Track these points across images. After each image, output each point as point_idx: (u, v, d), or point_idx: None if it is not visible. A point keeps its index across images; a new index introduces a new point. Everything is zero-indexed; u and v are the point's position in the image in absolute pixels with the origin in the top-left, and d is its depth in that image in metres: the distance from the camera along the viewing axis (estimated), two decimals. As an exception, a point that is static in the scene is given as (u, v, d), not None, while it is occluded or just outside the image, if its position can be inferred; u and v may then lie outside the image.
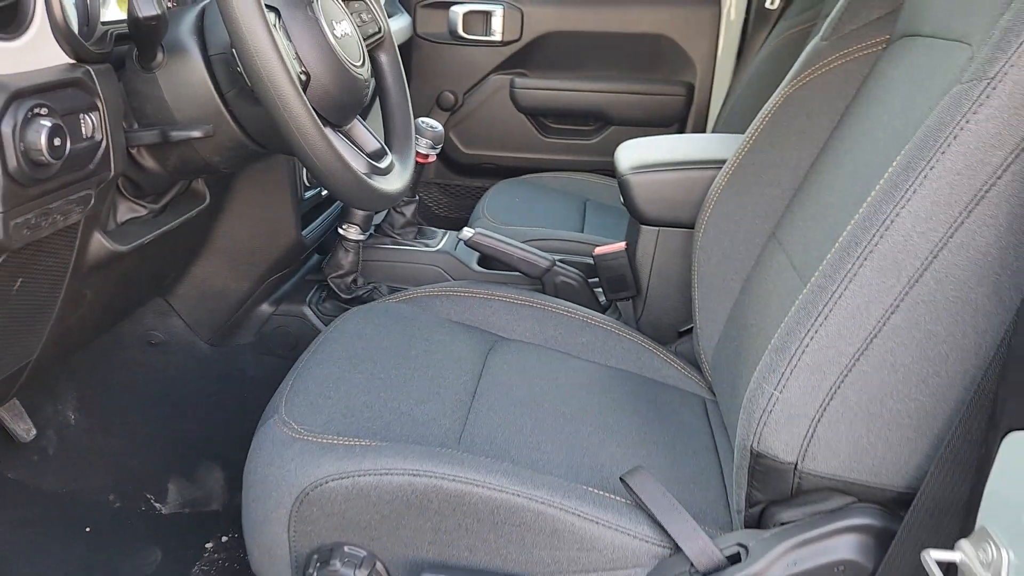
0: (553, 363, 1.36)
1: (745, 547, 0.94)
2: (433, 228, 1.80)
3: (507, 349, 1.40)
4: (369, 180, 1.07)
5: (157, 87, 1.05)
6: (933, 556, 0.79)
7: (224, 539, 1.58)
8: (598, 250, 1.53)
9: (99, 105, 0.96)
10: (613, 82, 2.53)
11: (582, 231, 1.98)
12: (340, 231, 1.60)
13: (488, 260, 1.73)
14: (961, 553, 0.78)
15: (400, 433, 1.09)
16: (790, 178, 1.27)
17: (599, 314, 1.48)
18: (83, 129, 0.93)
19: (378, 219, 1.79)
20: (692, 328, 1.46)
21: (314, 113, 0.95)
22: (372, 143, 1.19)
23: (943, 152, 0.78)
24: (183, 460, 1.65)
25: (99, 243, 1.08)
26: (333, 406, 1.12)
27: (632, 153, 1.56)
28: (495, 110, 2.56)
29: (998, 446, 0.76)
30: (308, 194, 1.58)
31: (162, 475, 1.65)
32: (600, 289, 1.64)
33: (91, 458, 1.65)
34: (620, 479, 1.03)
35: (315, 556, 1.02)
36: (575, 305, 1.48)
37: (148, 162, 1.11)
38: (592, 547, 0.98)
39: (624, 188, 1.52)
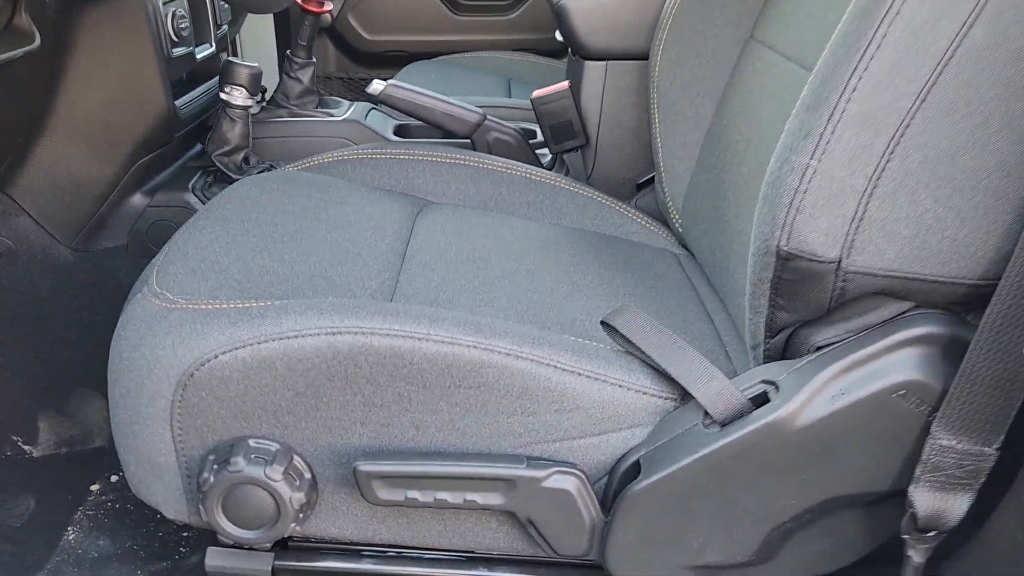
0: (496, 223, 1.13)
1: (773, 383, 0.73)
2: (337, 98, 1.52)
3: (439, 211, 1.15)
4: None
5: None
6: (1040, 349, 0.59)
7: (114, 479, 1.31)
8: (537, 92, 1.29)
9: None
10: (529, -53, 2.28)
11: (509, 103, 1.73)
12: (223, 95, 1.31)
13: (408, 129, 1.47)
14: (1075, 343, 0.59)
15: (312, 294, 0.84)
16: (768, -34, 1.05)
17: (544, 170, 1.25)
18: None
19: (271, 91, 1.51)
20: (654, 177, 1.24)
21: None
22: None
23: None
24: (53, 392, 1.36)
25: None
26: (222, 271, 0.86)
27: (568, -24, 1.31)
28: (399, -12, 2.28)
29: None
30: (177, 51, 1.28)
31: (28, 412, 1.36)
32: (542, 152, 1.40)
33: (-64, 401, 1.34)
34: (602, 322, 0.81)
35: (211, 457, 0.77)
36: (515, 161, 1.24)
37: None
38: (575, 407, 0.75)
39: (561, 17, 1.28)
